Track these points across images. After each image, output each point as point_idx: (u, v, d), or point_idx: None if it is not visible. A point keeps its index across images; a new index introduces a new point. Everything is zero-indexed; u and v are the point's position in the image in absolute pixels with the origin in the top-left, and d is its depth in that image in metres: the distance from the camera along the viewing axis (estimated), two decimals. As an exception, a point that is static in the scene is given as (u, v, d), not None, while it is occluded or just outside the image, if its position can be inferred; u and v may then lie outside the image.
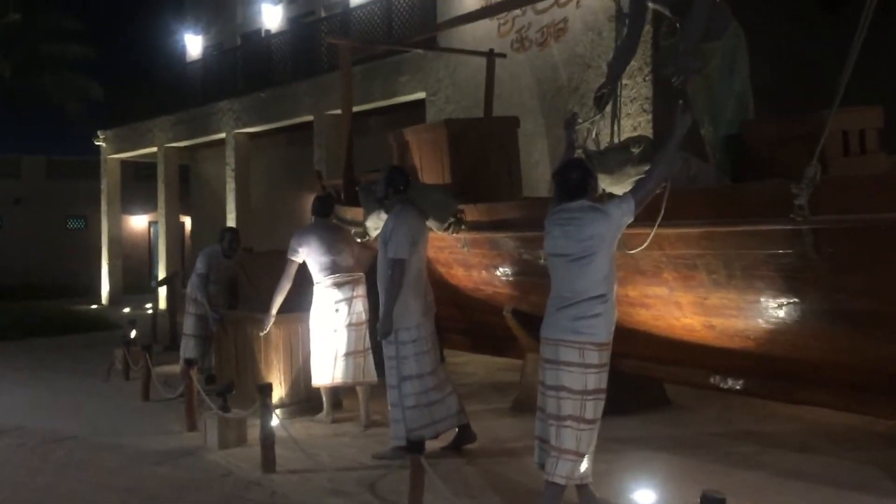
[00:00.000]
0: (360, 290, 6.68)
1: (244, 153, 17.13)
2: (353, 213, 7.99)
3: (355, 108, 14.39)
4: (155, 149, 19.33)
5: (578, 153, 4.81)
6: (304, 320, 6.86)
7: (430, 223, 5.84)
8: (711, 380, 5.30)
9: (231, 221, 16.97)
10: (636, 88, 9.73)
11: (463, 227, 5.97)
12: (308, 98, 15.00)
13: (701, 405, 6.80)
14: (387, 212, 5.72)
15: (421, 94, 12.88)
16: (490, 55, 9.23)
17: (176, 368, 8.60)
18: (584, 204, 4.18)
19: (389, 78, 13.43)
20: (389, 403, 5.61)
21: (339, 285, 6.57)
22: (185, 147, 19.38)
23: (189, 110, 18.32)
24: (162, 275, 18.12)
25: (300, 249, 6.66)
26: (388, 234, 5.48)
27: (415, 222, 5.59)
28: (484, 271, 6.40)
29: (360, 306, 6.65)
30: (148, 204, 21.57)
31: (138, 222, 26.57)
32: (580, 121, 5.36)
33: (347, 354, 6.54)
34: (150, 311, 13.59)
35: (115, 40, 25.29)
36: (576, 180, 4.19)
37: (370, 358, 6.65)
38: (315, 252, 6.63)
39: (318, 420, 6.83)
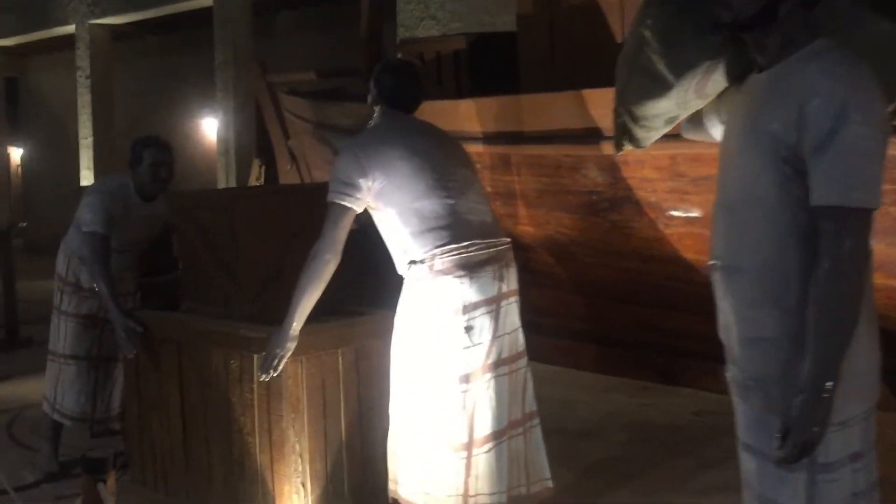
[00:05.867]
0: (513, 279, 2.88)
1: (103, 55, 12.39)
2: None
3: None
4: (-34, 50, 14.26)
5: None
6: (361, 337, 3.04)
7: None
8: None
9: (87, 153, 12.31)
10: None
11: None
12: (205, -29, 10.55)
13: None
14: (767, 62, 1.96)
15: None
16: None
17: (14, 388, 5.33)
18: None
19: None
20: None
21: (472, 269, 2.73)
22: (14, 49, 14.50)
23: (18, -7, 13.31)
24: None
25: (362, 182, 2.77)
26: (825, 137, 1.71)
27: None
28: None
29: (517, 317, 2.86)
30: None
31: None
32: None
33: (499, 434, 2.75)
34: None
35: None
36: None
37: (536, 434, 2.90)
38: (406, 188, 2.77)
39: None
